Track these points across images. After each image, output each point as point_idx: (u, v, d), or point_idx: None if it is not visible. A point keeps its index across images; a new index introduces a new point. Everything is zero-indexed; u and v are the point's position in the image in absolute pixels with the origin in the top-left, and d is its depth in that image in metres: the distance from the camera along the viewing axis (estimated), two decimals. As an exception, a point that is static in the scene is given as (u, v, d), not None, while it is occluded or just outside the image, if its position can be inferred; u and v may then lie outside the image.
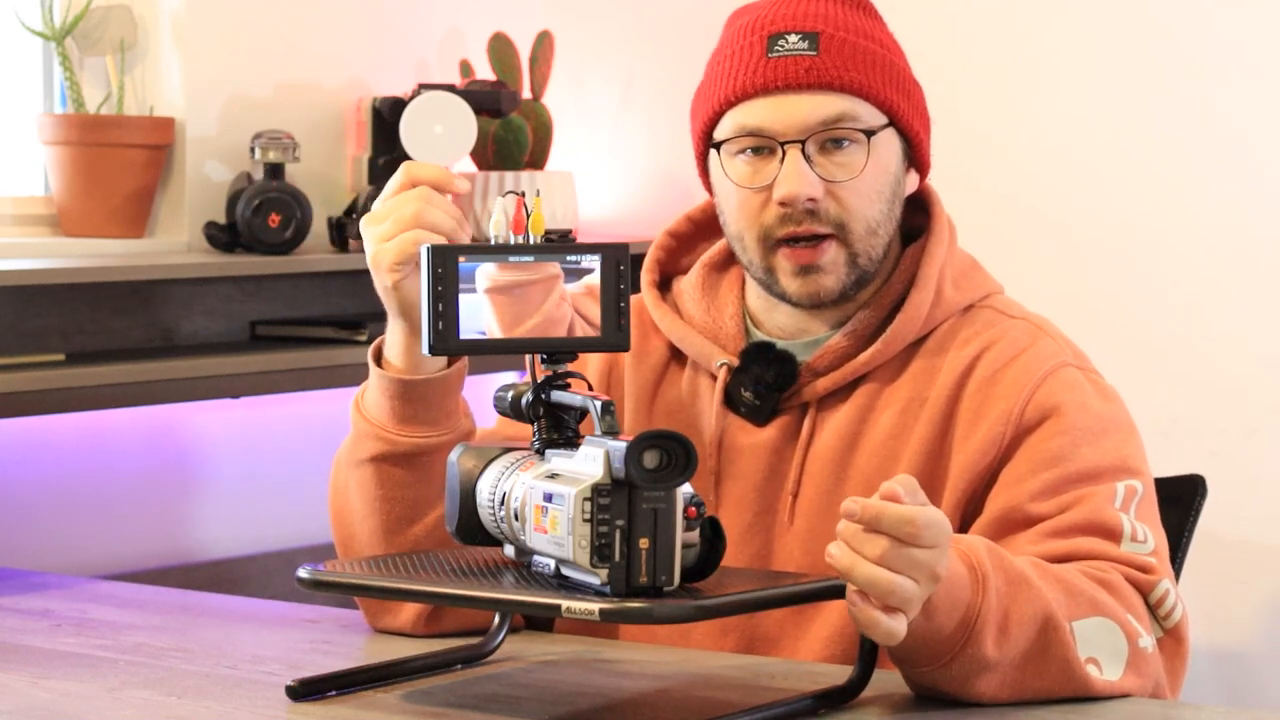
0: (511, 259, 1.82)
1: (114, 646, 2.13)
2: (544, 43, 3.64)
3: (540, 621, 2.16)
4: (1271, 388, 3.27)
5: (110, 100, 3.22)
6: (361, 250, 3.07)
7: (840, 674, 1.86)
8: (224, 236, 3.22)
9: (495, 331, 1.87)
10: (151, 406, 3.04)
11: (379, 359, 2.05)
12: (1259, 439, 3.27)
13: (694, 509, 1.69)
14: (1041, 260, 3.43)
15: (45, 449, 3.09)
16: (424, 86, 3.35)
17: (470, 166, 3.60)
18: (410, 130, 3.31)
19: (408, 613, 2.10)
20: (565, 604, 1.66)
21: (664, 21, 3.78)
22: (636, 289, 2.09)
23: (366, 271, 3.32)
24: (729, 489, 2.10)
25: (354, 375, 2.09)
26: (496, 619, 2.03)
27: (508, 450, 1.84)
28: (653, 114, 3.79)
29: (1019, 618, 1.81)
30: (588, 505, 1.66)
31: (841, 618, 1.99)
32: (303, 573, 1.83)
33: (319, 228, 3.35)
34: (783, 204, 2.03)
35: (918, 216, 2.16)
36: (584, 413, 1.78)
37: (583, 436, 1.75)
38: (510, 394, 1.83)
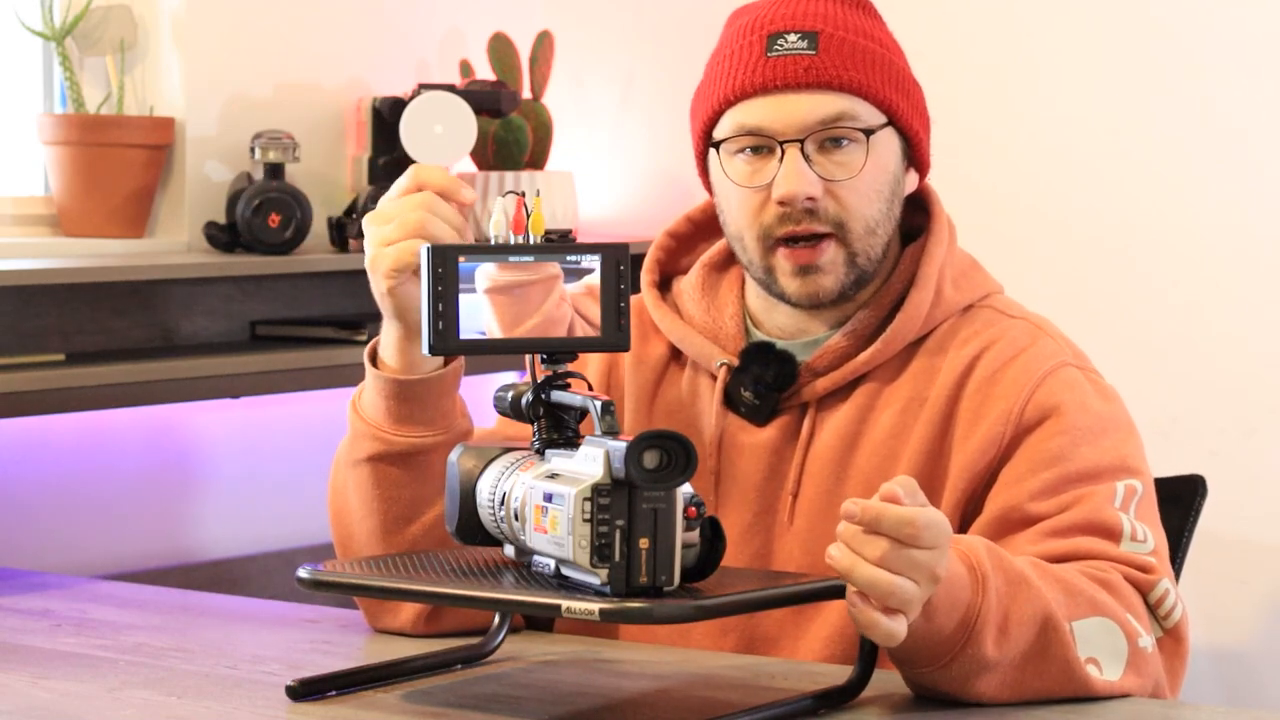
0: (511, 259, 1.82)
1: (114, 646, 2.13)
2: (544, 43, 3.64)
3: (540, 621, 2.16)
4: (1271, 388, 3.27)
5: (110, 100, 3.22)
6: (362, 251, 3.06)
7: (840, 674, 1.86)
8: (224, 236, 3.22)
9: (495, 331, 1.87)
10: (151, 406, 3.04)
11: (375, 359, 2.05)
12: (1259, 439, 3.27)
13: (694, 509, 1.69)
14: (1041, 260, 3.43)
15: (45, 449, 3.09)
16: (424, 86, 3.36)
17: (470, 166, 3.60)
18: (410, 130, 3.32)
19: (407, 612, 2.10)
20: (565, 604, 1.66)
21: (664, 21, 3.78)
22: (636, 289, 2.09)
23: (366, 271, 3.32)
24: (729, 489, 2.10)
25: (354, 375, 2.09)
26: (496, 619, 2.03)
27: (508, 450, 1.84)
28: (653, 114, 3.79)
29: (1019, 618, 1.81)
30: (588, 505, 1.66)
31: (841, 618, 1.99)
32: (303, 573, 1.83)
33: (319, 228, 3.35)
34: (782, 203, 2.03)
35: (917, 216, 2.16)
36: (584, 413, 1.78)
37: (583, 436, 1.75)
38: (510, 394, 1.83)
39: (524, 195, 1.82)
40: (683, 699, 1.88)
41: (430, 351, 1.78)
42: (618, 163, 3.83)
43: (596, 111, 3.84)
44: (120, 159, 3.19)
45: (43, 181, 3.27)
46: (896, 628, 1.71)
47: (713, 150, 2.09)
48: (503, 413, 1.85)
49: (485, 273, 1.84)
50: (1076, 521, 1.96)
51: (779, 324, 2.13)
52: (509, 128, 3.57)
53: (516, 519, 1.77)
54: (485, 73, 3.58)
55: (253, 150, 3.25)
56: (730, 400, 2.12)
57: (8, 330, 2.95)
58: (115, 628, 2.23)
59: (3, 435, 3.00)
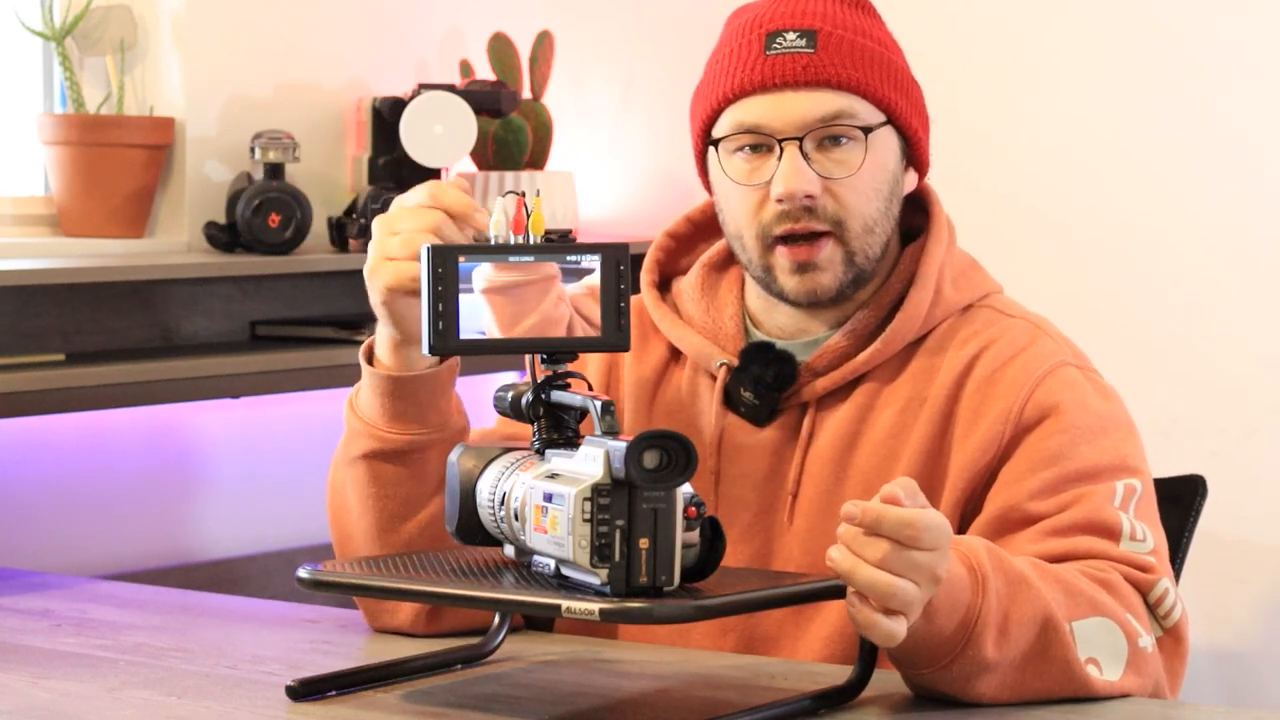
0: (511, 259, 1.82)
1: (114, 646, 2.13)
2: (544, 43, 3.64)
3: (540, 621, 2.16)
4: (1271, 388, 3.27)
5: (110, 100, 3.22)
6: (361, 251, 3.06)
7: (840, 674, 1.86)
8: (224, 236, 3.22)
9: (494, 331, 1.87)
10: (151, 406, 3.04)
11: (370, 358, 2.06)
12: (1259, 439, 3.27)
13: (694, 509, 1.70)
14: (1041, 260, 3.43)
15: (45, 449, 3.09)
16: (424, 86, 3.36)
17: (470, 166, 3.60)
18: (410, 130, 3.32)
19: (406, 612, 2.10)
20: (565, 604, 1.66)
21: (664, 21, 3.78)
22: (636, 289, 2.09)
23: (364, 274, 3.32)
24: (728, 489, 2.10)
25: (354, 375, 2.09)
26: (496, 619, 2.03)
27: (508, 450, 1.84)
28: (653, 114, 3.79)
29: (1019, 619, 1.81)
30: (588, 505, 1.66)
31: (841, 618, 1.99)
32: (303, 573, 1.83)
33: (319, 228, 3.35)
34: (780, 201, 2.03)
35: (917, 216, 2.16)
36: (584, 413, 1.78)
37: (583, 436, 1.75)
38: (510, 394, 1.83)
39: (524, 195, 1.82)
40: (683, 699, 1.88)
41: (430, 351, 1.78)
42: (618, 163, 3.83)
43: (596, 111, 3.84)
44: (120, 159, 3.19)
45: (43, 181, 3.27)
46: (896, 628, 1.71)
47: (711, 149, 2.09)
48: (503, 413, 1.85)
49: (482, 273, 1.84)
50: (1076, 521, 1.96)
51: (779, 324, 2.13)
52: (509, 128, 3.57)
53: (516, 519, 1.77)
54: (485, 73, 3.58)
55: (253, 150, 3.25)
56: (730, 400, 2.12)
57: (8, 330, 2.95)
58: (115, 628, 2.23)
59: (3, 435, 3.00)
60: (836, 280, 2.06)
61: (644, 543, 1.66)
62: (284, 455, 3.38)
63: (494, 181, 3.53)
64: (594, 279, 1.79)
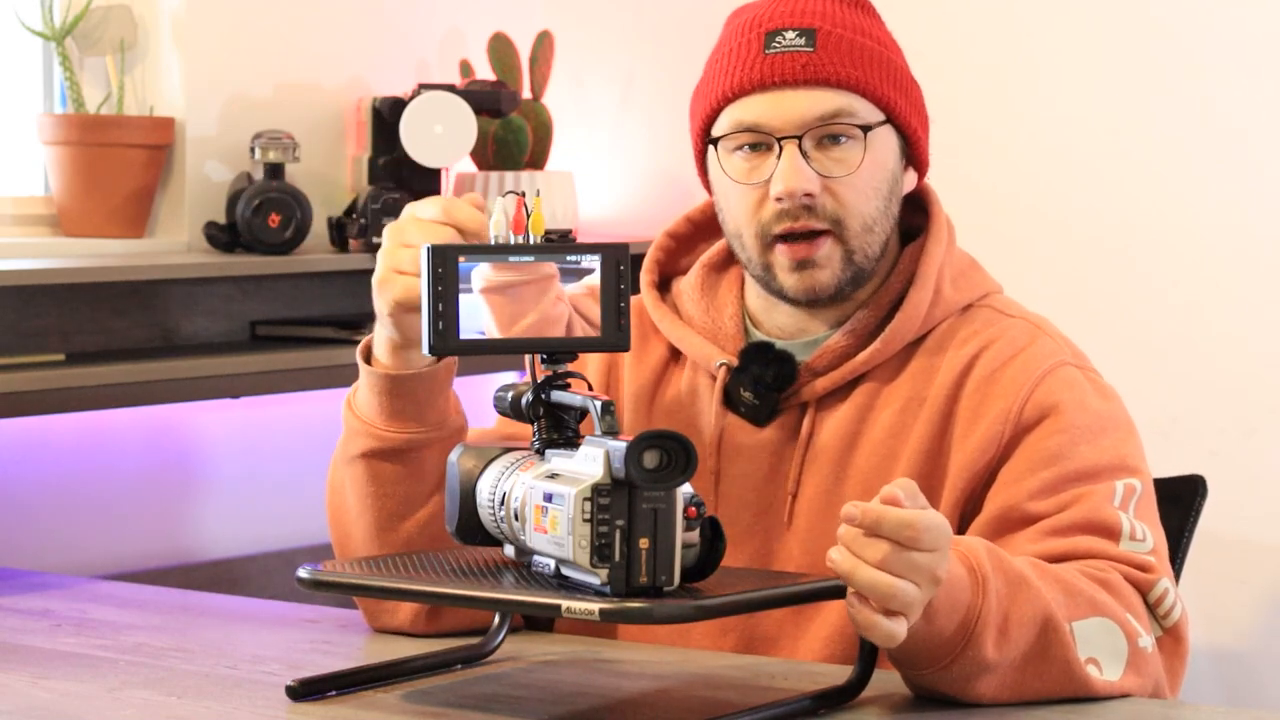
0: (511, 259, 1.82)
1: (114, 646, 2.13)
2: (544, 43, 3.64)
3: (540, 621, 2.16)
4: (1271, 388, 3.27)
5: (110, 100, 3.22)
6: (361, 251, 3.05)
7: (840, 674, 1.86)
8: (224, 236, 3.22)
9: (493, 331, 1.87)
10: (151, 406, 3.04)
11: (368, 357, 2.06)
12: (1259, 439, 3.27)
13: (694, 509, 1.70)
14: (1041, 260, 3.43)
15: (45, 449, 3.09)
16: (424, 86, 3.36)
17: (470, 166, 3.60)
18: (410, 130, 3.32)
19: (406, 612, 2.10)
20: (565, 604, 1.66)
21: (664, 21, 3.78)
22: (636, 289, 2.09)
23: (367, 271, 3.32)
24: (728, 489, 2.10)
25: (354, 375, 2.09)
26: (496, 619, 2.03)
27: (508, 450, 1.84)
28: (653, 114, 3.79)
29: (1019, 619, 1.81)
30: (588, 505, 1.66)
31: (841, 617, 1.99)
32: (303, 573, 1.83)
33: (319, 228, 3.35)
34: (779, 199, 2.03)
35: (917, 216, 2.16)
36: (584, 413, 1.78)
37: (583, 436, 1.75)
38: (510, 394, 1.83)
39: (524, 195, 1.82)
40: (683, 699, 1.88)
41: (430, 352, 1.78)
42: (618, 163, 3.83)
43: (596, 111, 3.84)
44: (120, 159, 3.19)
45: (43, 181, 3.27)
46: (896, 629, 1.71)
47: (711, 148, 2.09)
48: (503, 413, 1.85)
49: (481, 273, 1.84)
50: (1076, 520, 1.96)
51: (778, 324, 2.13)
52: (509, 128, 3.57)
53: (516, 519, 1.77)
54: (485, 73, 3.58)
55: (253, 150, 3.25)
56: (730, 400, 2.12)
57: (8, 330, 2.95)
58: (115, 628, 2.23)
59: (3, 435, 3.00)
60: (835, 278, 2.06)
61: (644, 543, 1.66)
62: (284, 455, 3.38)
63: (494, 181, 3.53)
64: (594, 279, 1.79)
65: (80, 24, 3.19)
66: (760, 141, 2.05)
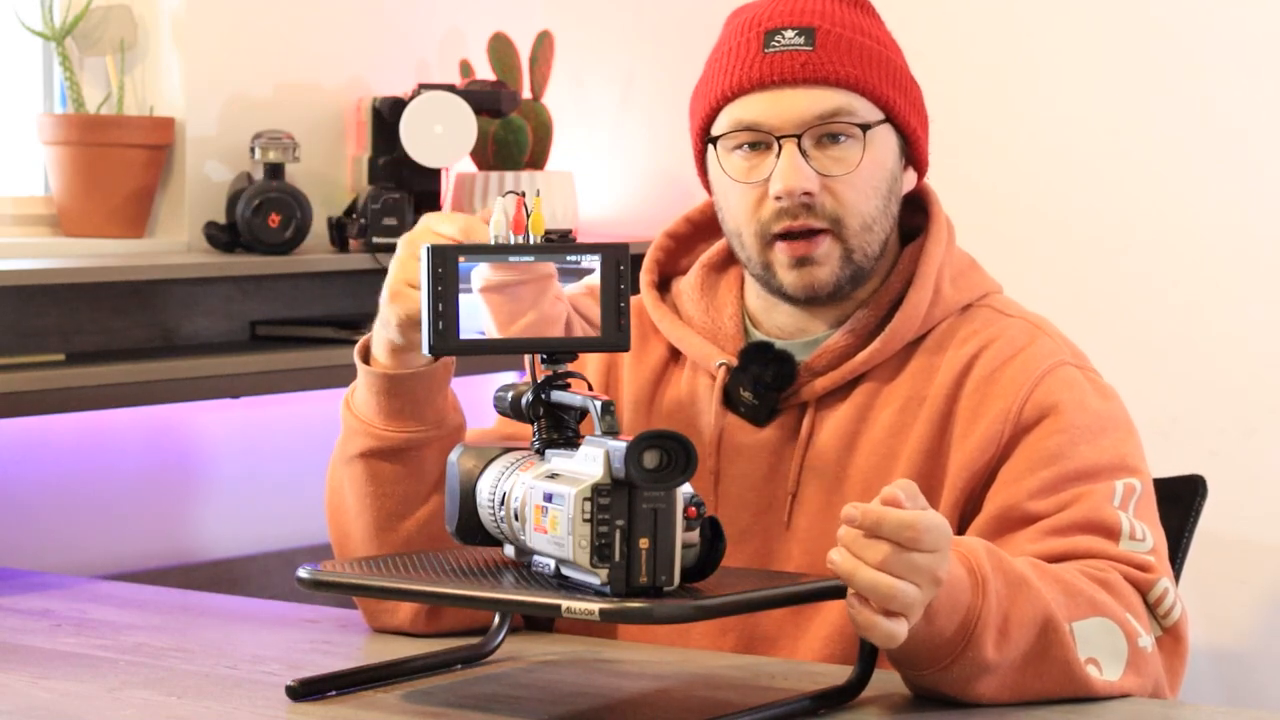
0: (511, 259, 1.82)
1: (114, 646, 2.13)
2: (544, 43, 3.64)
3: (540, 621, 2.16)
4: (1271, 388, 3.27)
5: (110, 100, 3.22)
6: (361, 251, 3.05)
7: (840, 674, 1.86)
8: (224, 236, 3.22)
9: (493, 331, 1.87)
10: (151, 406, 3.04)
11: (366, 357, 2.06)
12: (1259, 439, 3.27)
13: (694, 509, 1.70)
14: (1041, 260, 3.43)
15: (45, 449, 3.09)
16: (424, 86, 3.36)
17: (470, 166, 3.60)
18: (410, 130, 3.32)
19: (406, 612, 2.11)
20: (565, 604, 1.66)
21: (664, 21, 3.78)
22: (636, 290, 2.09)
23: (367, 271, 3.33)
24: (728, 489, 2.10)
25: (353, 375, 2.10)
26: (496, 619, 2.03)
27: (508, 450, 1.84)
28: (653, 114, 3.79)
29: (1019, 620, 1.81)
30: (588, 505, 1.66)
31: (841, 617, 1.99)
32: (303, 573, 1.83)
33: (319, 228, 3.35)
34: (779, 198, 2.03)
35: (916, 216, 2.16)
36: (584, 413, 1.78)
37: (583, 436, 1.75)
38: (510, 394, 1.83)
39: (524, 195, 1.82)
40: (683, 699, 1.88)
41: (430, 352, 1.78)
42: (618, 163, 3.83)
43: (596, 111, 3.84)
44: (120, 159, 3.19)
45: (43, 181, 3.27)
46: (896, 629, 1.71)
47: (710, 147, 2.09)
48: (503, 413, 1.85)
49: (480, 272, 1.84)
50: (1075, 520, 1.96)
51: (778, 324, 2.13)
52: (509, 128, 3.57)
53: (516, 519, 1.77)
54: (485, 73, 3.58)
55: (253, 150, 3.25)
56: (729, 400, 2.12)
57: (8, 330, 2.95)
58: (115, 628, 2.23)
59: (3, 435, 3.00)
60: (834, 275, 2.06)
61: (644, 543, 1.66)
62: (284, 455, 3.38)
63: (494, 181, 3.53)
64: (594, 279, 1.79)
65: (80, 24, 3.19)
66: (759, 140, 2.05)
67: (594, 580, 1.67)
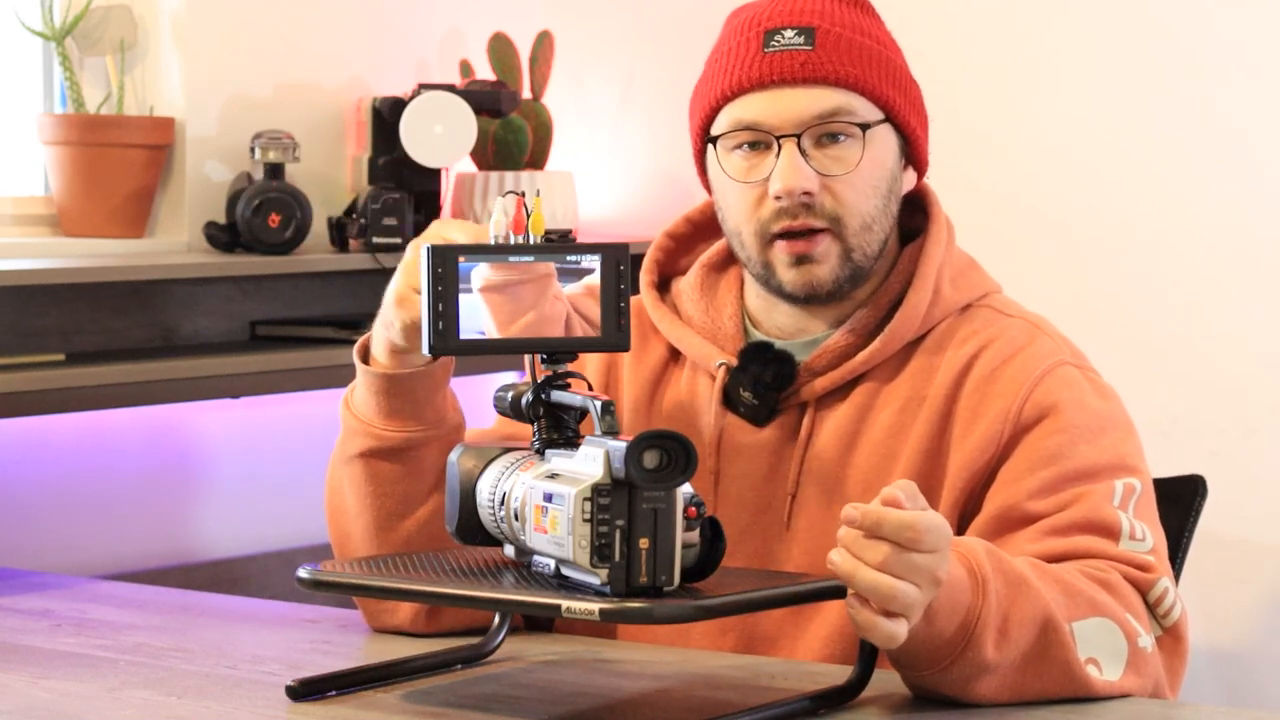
0: (511, 259, 1.82)
1: (114, 646, 2.13)
2: (544, 43, 3.64)
3: (540, 621, 2.16)
4: (1271, 388, 3.27)
5: (110, 100, 3.22)
6: (361, 251, 3.05)
7: (840, 674, 1.86)
8: (224, 236, 3.22)
9: (493, 331, 1.87)
10: (151, 406, 3.04)
11: (365, 357, 2.06)
12: (1259, 439, 3.27)
13: (694, 509, 1.70)
14: (1041, 260, 3.43)
15: (45, 449, 3.09)
16: (424, 86, 3.36)
17: (470, 166, 3.60)
18: (410, 130, 3.32)
19: (406, 611, 2.11)
20: (565, 604, 1.66)
21: (664, 21, 3.78)
22: (635, 290, 2.09)
23: (367, 271, 3.33)
24: (728, 489, 2.10)
25: (353, 375, 2.10)
26: (496, 619, 2.03)
27: (508, 450, 1.84)
28: (653, 114, 3.79)
29: (1019, 620, 1.81)
30: (588, 505, 1.66)
31: (841, 617, 1.99)
32: (303, 573, 1.83)
33: (319, 228, 3.35)
34: (778, 198, 2.03)
35: (916, 216, 2.16)
36: (584, 413, 1.78)
37: (583, 436, 1.75)
38: (510, 394, 1.83)
39: (524, 195, 1.82)
40: (683, 699, 1.88)
41: (430, 352, 1.78)
42: (618, 163, 3.83)
43: (596, 111, 3.84)
44: (120, 159, 3.19)
45: (43, 181, 3.27)
46: (896, 629, 1.71)
47: (710, 146, 2.09)
48: (503, 413, 1.85)
49: (479, 272, 1.84)
50: (1075, 520, 1.96)
51: (778, 324, 2.13)
52: (509, 128, 3.57)
53: (516, 519, 1.77)
54: (485, 73, 3.58)
55: (253, 150, 3.25)
56: (729, 400, 2.12)
57: (8, 330, 2.95)
58: (115, 628, 2.23)
59: (3, 435, 3.00)
60: (833, 274, 2.06)
61: (644, 543, 1.66)
62: (284, 455, 3.38)
63: (494, 181, 3.53)
64: (593, 279, 1.79)
65: (80, 24, 3.19)
66: (759, 140, 2.05)
67: (594, 580, 1.67)
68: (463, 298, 1.77)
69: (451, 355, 1.97)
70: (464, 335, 1.78)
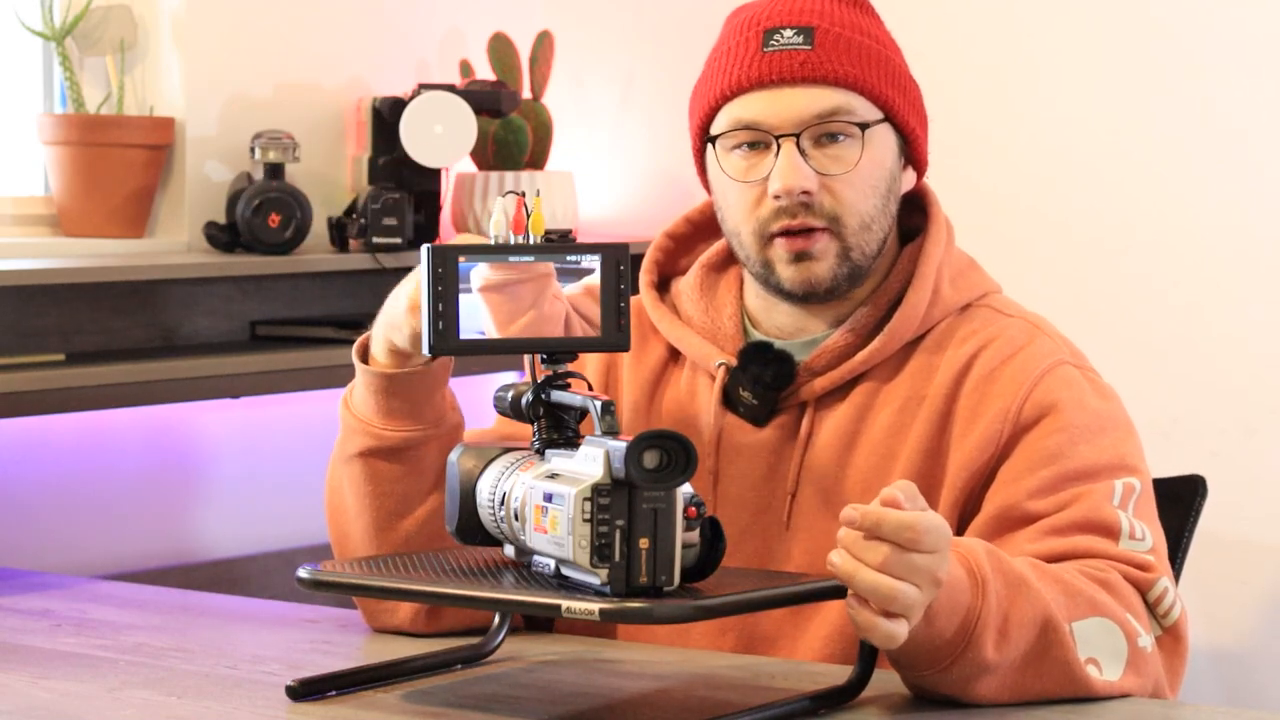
0: (511, 259, 1.82)
1: (114, 646, 2.13)
2: (544, 43, 3.64)
3: (540, 621, 2.16)
4: (1271, 388, 3.27)
5: (110, 100, 3.22)
6: (361, 251, 3.05)
7: (840, 674, 1.86)
8: (224, 236, 3.22)
9: (493, 331, 1.87)
10: (151, 406, 3.04)
11: (365, 356, 2.06)
12: (1259, 439, 3.27)
13: (694, 509, 1.70)
14: (1041, 260, 3.43)
15: (45, 449, 3.09)
16: (424, 86, 3.36)
17: (470, 166, 3.60)
18: (410, 130, 3.32)
19: (406, 611, 2.11)
20: (565, 604, 1.66)
21: (664, 21, 3.78)
22: (635, 290, 2.09)
23: (367, 271, 3.32)
24: (727, 489, 2.10)
25: (353, 375, 2.09)
26: (496, 619, 2.03)
27: (508, 450, 1.84)
28: (653, 114, 3.79)
29: (1018, 620, 1.81)
30: (588, 505, 1.66)
31: (841, 617, 1.99)
32: (303, 573, 1.83)
33: (319, 228, 3.35)
34: (777, 197, 2.03)
35: (915, 216, 2.16)
36: (584, 413, 1.78)
37: (583, 436, 1.75)
38: (510, 394, 1.83)
39: (524, 195, 1.82)
40: (683, 699, 1.88)
41: (430, 352, 1.78)
42: (618, 163, 3.83)
43: (596, 111, 3.84)
44: (120, 159, 3.19)
45: (43, 181, 3.27)
46: (896, 629, 1.71)
47: (709, 146, 2.09)
48: (503, 413, 1.85)
49: (479, 272, 1.84)
50: (1075, 520, 1.96)
51: (777, 324, 2.13)
52: (509, 128, 3.57)
53: (516, 519, 1.77)
54: (485, 73, 3.58)
55: (253, 150, 3.25)
56: (729, 400, 2.12)
57: (8, 330, 2.95)
58: (115, 628, 2.23)
59: (3, 435, 3.00)
60: (831, 271, 2.06)
61: (644, 543, 1.66)
62: (284, 455, 3.38)
63: (494, 181, 3.53)
64: (592, 279, 1.79)
65: (80, 24, 3.19)
66: (758, 140, 2.05)
67: (594, 580, 1.67)
68: (463, 298, 1.77)
69: (452, 355, 1.97)
70: (464, 335, 1.78)
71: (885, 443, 2.06)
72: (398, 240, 3.27)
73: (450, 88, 3.37)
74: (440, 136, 3.33)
